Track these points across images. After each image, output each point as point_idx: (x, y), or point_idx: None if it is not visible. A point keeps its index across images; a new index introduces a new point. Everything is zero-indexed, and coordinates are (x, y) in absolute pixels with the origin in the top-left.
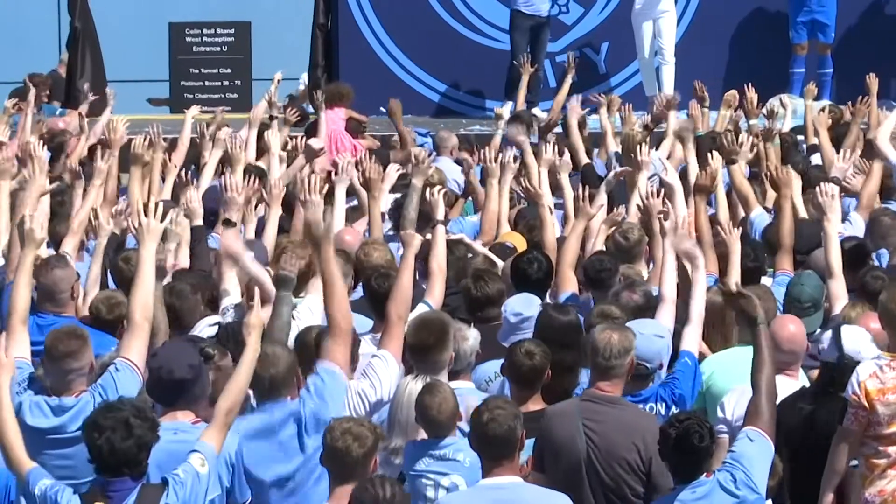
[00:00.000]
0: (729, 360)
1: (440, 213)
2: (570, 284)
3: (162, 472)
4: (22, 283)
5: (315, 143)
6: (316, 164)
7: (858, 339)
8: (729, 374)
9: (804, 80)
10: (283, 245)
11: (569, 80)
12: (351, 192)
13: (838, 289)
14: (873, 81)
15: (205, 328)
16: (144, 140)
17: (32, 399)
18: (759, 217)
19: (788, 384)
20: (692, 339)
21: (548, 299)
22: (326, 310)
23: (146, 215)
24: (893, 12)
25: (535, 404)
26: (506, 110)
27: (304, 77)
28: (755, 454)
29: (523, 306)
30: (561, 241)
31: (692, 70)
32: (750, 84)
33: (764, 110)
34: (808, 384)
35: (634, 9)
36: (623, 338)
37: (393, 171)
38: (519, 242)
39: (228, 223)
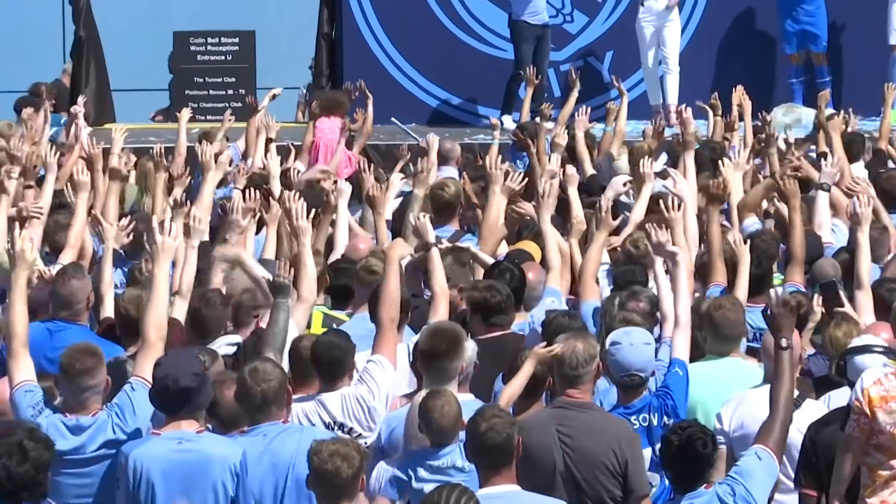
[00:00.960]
0: (702, 373)
1: (431, 237)
2: (592, 294)
3: (167, 483)
4: (17, 305)
5: (313, 173)
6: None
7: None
8: (704, 385)
9: (803, 88)
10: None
11: (574, 94)
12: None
13: (866, 301)
14: (890, 90)
15: (223, 346)
16: (123, 156)
17: (50, 420)
18: (754, 226)
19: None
20: (682, 346)
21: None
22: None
23: (161, 233)
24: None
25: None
26: (507, 121)
27: (304, 88)
28: (760, 472)
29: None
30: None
31: (696, 79)
32: (745, 95)
33: (769, 118)
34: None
35: (639, 18)
36: (587, 345)
37: (397, 179)
38: (534, 251)
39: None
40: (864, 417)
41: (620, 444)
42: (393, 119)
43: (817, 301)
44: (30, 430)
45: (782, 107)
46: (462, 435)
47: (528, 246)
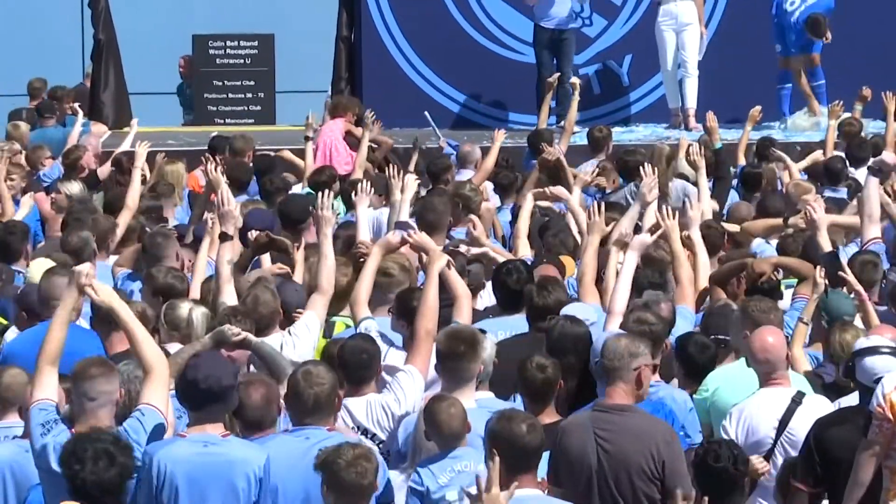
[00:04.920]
0: (734, 374)
1: (432, 245)
2: (592, 297)
3: (194, 487)
4: (57, 326)
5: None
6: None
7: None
8: (734, 388)
9: (790, 93)
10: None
11: (575, 102)
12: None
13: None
14: (890, 100)
15: None
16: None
17: (58, 440)
18: (759, 246)
19: (779, 393)
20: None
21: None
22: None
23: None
24: (882, 22)
25: (550, 417)
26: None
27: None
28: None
29: (582, 314)
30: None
31: (715, 83)
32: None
33: (788, 122)
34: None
35: (658, 21)
36: (630, 343)
37: (412, 180)
38: (569, 265)
39: (225, 237)
40: (886, 423)
41: (658, 445)
42: (426, 113)
43: (820, 273)
44: (115, 437)
45: (803, 110)
46: (467, 437)
47: (564, 260)
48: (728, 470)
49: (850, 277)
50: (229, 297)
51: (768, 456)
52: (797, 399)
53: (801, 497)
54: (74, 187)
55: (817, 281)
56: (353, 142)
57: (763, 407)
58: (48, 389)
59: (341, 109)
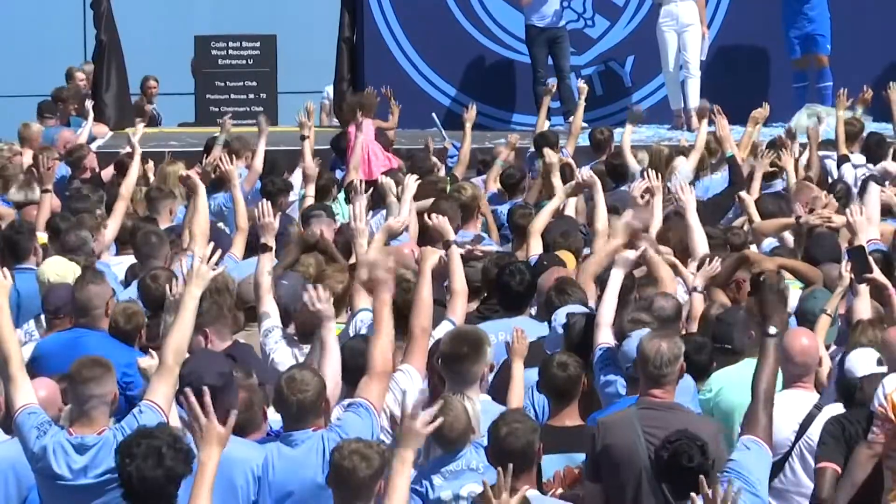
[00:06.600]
0: (738, 374)
1: (450, 234)
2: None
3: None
4: (5, 327)
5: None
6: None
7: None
8: (738, 389)
9: (806, 93)
10: (324, 272)
11: (582, 105)
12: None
13: (863, 306)
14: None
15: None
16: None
17: (55, 440)
18: (770, 246)
19: (804, 397)
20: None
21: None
22: (369, 349)
23: (200, 261)
24: (890, 20)
25: (572, 419)
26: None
27: (329, 90)
28: (753, 461)
29: None
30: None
31: (717, 84)
32: (765, 102)
33: (791, 123)
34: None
35: (659, 22)
36: (672, 345)
37: (411, 181)
38: (569, 260)
39: (265, 248)
40: (888, 423)
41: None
42: (433, 115)
43: (846, 267)
44: (174, 439)
45: (805, 110)
46: (476, 437)
47: (563, 255)
48: (703, 465)
49: (878, 274)
50: (270, 307)
51: (784, 459)
52: (819, 405)
53: (831, 476)
54: (19, 195)
55: (842, 274)
56: (385, 141)
57: (786, 409)
58: (29, 394)
59: (367, 109)
